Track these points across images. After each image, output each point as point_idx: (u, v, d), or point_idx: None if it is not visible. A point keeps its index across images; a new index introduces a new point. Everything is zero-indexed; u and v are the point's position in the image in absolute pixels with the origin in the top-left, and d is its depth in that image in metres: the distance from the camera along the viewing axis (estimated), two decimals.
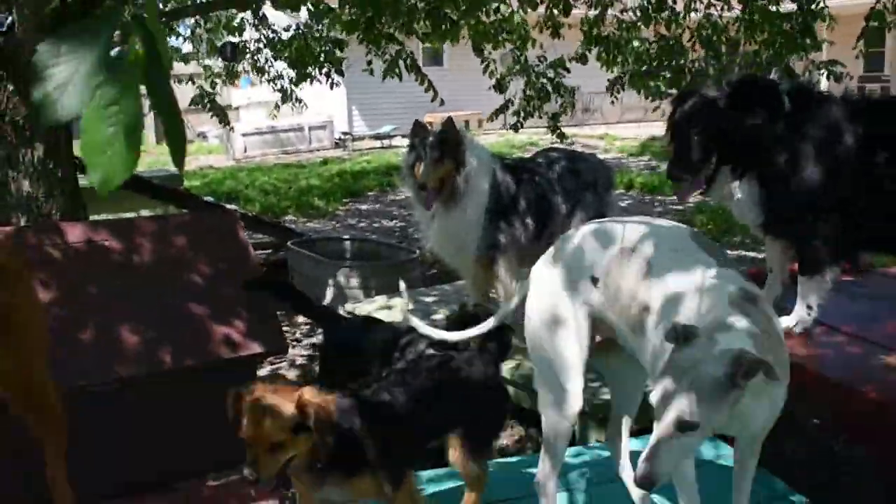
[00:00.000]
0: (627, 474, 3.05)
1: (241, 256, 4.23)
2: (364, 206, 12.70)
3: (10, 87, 4.88)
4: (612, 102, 8.31)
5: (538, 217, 4.90)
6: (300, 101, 10.04)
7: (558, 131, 8.03)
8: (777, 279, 4.02)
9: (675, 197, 11.02)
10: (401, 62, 7.37)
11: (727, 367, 2.00)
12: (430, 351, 3.23)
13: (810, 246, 3.63)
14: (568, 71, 7.83)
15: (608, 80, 7.95)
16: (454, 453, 2.89)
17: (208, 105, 9.14)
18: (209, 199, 10.05)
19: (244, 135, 20.90)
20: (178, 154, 1.26)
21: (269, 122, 19.40)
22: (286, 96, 9.85)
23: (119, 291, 3.89)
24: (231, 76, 10.53)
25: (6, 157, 5.01)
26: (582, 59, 7.74)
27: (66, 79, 1.18)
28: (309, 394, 2.41)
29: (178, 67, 10.71)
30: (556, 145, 7.01)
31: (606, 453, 3.27)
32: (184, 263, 4.09)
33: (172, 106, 1.23)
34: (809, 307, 3.72)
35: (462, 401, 2.92)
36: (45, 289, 3.77)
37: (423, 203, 4.72)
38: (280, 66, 9.83)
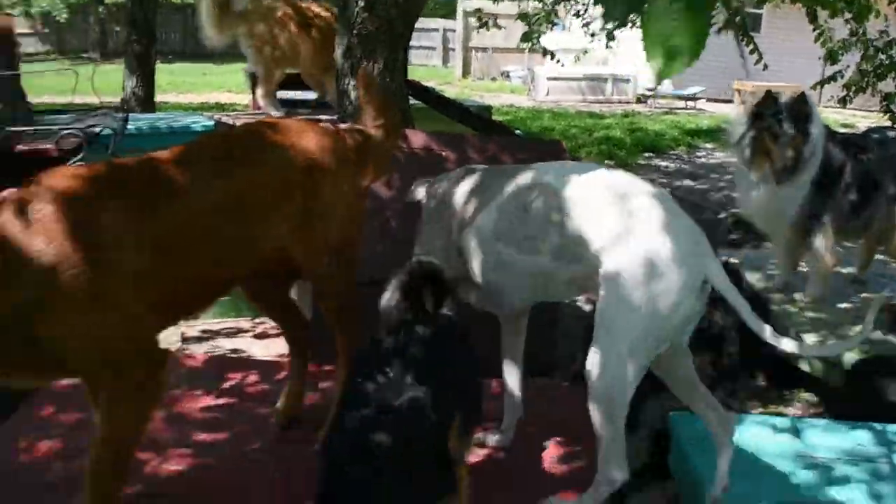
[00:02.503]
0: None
1: None
2: (664, 164, 12.53)
3: (361, 3, 5.19)
4: None
5: (861, 193, 4.76)
6: (609, 46, 9.98)
7: (891, 113, 7.55)
8: None
9: None
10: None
11: None
12: None
13: None
14: None
15: None
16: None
17: (537, 44, 9.26)
18: (518, 131, 10.32)
19: (549, 78, 21.20)
20: None
21: (573, 68, 19.40)
22: (609, 38, 9.78)
23: None
24: (549, 18, 10.59)
25: (350, 68, 5.44)
26: None
27: None
28: None
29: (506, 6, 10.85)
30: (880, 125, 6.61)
31: None
32: None
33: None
34: None
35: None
36: (388, 186, 4.18)
37: (759, 172, 4.69)
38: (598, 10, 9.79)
